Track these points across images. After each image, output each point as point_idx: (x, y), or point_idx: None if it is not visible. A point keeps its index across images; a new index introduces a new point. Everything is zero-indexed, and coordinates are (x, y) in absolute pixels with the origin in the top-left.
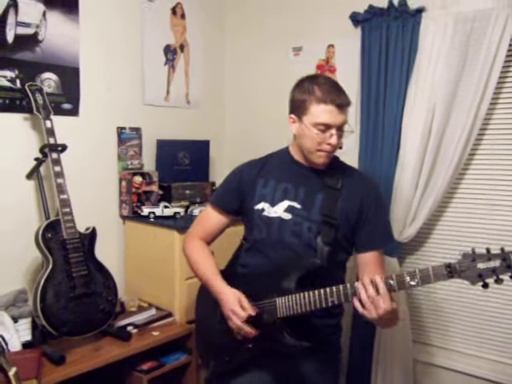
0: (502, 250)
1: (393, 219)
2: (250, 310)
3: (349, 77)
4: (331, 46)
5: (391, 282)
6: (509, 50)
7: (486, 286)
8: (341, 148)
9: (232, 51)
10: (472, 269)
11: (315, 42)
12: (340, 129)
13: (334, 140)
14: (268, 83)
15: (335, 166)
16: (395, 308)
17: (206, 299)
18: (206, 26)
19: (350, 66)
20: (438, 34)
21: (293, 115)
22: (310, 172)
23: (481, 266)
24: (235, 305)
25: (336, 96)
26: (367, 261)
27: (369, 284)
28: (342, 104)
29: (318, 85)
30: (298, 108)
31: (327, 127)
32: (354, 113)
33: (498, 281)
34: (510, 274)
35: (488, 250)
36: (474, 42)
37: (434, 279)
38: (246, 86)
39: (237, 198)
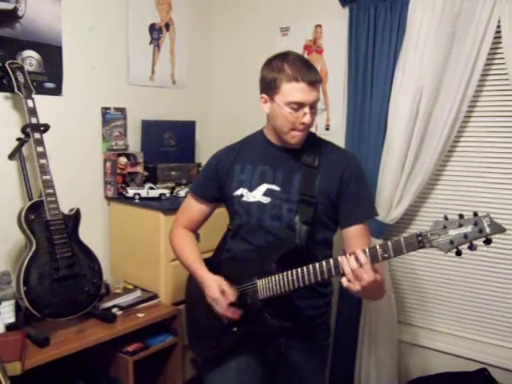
0: (475, 214)
1: (379, 201)
2: (231, 295)
3: (336, 58)
4: (319, 26)
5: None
6: (497, 32)
7: (459, 253)
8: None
9: (219, 31)
10: (443, 236)
11: (303, 22)
12: (313, 106)
13: (307, 118)
14: (256, 63)
15: (311, 143)
16: (379, 279)
17: (192, 287)
18: (192, 5)
19: (338, 47)
20: (427, 14)
21: (264, 95)
22: (287, 153)
23: (452, 232)
24: (216, 292)
25: (307, 73)
26: (352, 235)
27: (350, 257)
28: (313, 81)
29: (288, 62)
30: (268, 87)
31: (300, 106)
32: (341, 94)
33: (472, 247)
34: (483, 238)
35: (461, 216)
36: (462, 22)
37: (405, 249)
38: (233, 67)
39: (215, 187)
